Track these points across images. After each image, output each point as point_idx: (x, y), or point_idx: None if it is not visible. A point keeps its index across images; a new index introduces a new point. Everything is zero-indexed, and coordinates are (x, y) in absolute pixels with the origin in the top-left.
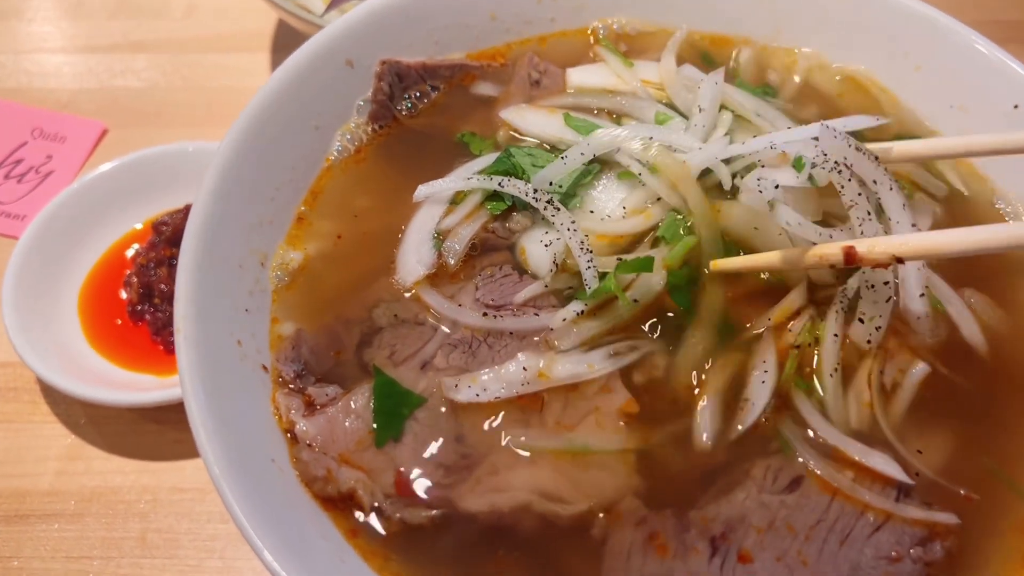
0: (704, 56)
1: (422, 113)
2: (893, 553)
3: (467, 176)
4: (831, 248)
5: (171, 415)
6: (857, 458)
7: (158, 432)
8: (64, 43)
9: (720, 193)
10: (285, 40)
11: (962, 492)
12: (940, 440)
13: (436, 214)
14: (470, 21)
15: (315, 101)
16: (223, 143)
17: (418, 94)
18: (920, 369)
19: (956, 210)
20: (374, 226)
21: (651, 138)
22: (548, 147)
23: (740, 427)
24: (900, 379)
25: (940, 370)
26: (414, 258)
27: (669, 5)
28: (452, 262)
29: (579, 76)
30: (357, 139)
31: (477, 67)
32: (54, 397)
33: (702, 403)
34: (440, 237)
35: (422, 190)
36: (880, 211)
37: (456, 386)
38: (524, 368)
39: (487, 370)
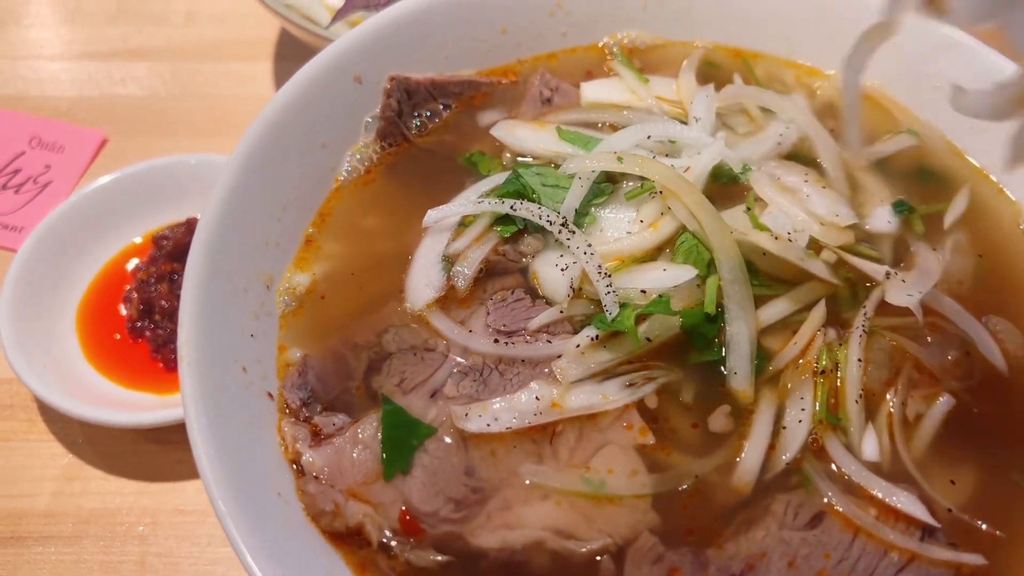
0: (713, 65)
1: (431, 132)
2: None
3: (477, 199)
4: None
5: (172, 435)
6: (881, 496)
7: (159, 452)
8: (62, 49)
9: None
10: (288, 48)
11: (984, 527)
12: (966, 474)
13: (445, 237)
14: (481, 35)
15: (322, 118)
16: (229, 162)
17: (428, 113)
18: (945, 401)
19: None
20: (383, 249)
21: (648, 137)
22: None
23: (773, 469)
24: (924, 410)
25: (964, 399)
26: (423, 281)
27: (683, 19)
28: (462, 286)
29: (593, 91)
30: (367, 159)
31: (487, 83)
32: (51, 415)
33: (748, 443)
34: (449, 261)
35: (431, 215)
36: None
37: (467, 415)
38: (537, 398)
39: (499, 399)
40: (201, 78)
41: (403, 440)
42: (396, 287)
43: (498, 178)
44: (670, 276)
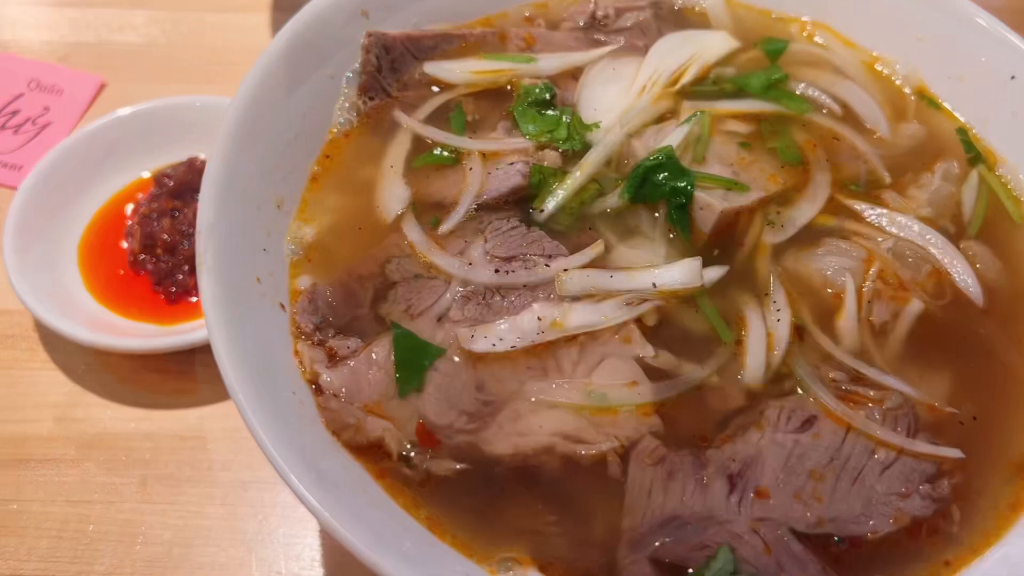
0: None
1: (411, 85)
2: (903, 489)
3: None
4: None
5: (173, 364)
6: (872, 377)
7: (159, 381)
8: None
9: None
10: (286, 1)
11: (949, 410)
12: (937, 378)
13: (404, 151)
14: None
15: (329, 50)
16: (241, 88)
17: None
18: (915, 306)
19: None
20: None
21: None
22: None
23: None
24: (895, 314)
25: (935, 313)
26: (389, 196)
27: None
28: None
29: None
30: (355, 110)
31: (460, 35)
32: (53, 344)
33: (749, 342)
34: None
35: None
36: None
37: (472, 336)
38: (539, 318)
39: (503, 320)
40: (200, 27)
41: (415, 361)
42: (395, 222)
43: None
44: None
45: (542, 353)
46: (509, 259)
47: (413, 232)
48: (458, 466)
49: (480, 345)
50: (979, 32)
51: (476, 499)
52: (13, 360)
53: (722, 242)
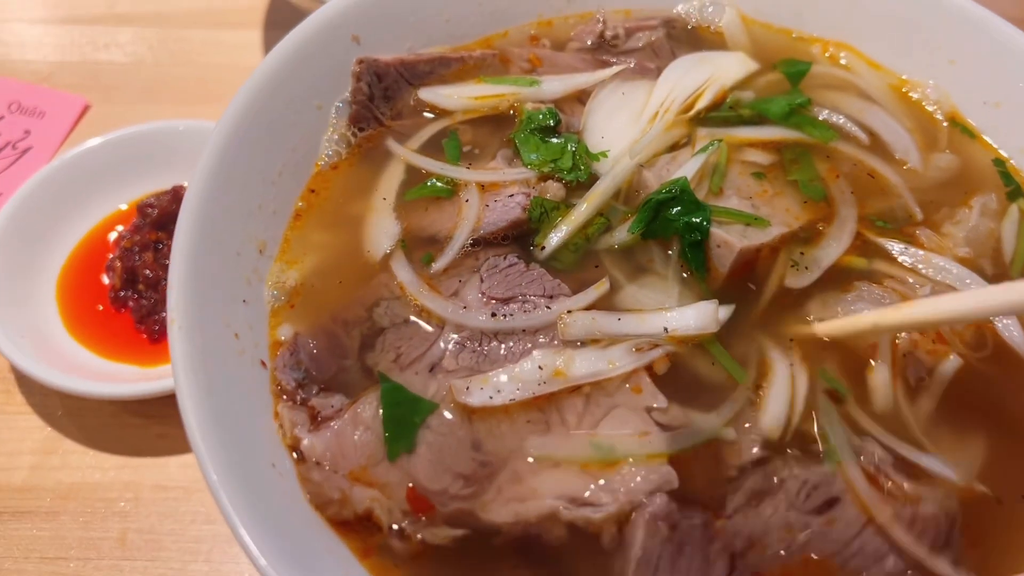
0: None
1: (405, 114)
2: None
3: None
4: None
5: (155, 408)
6: (904, 455)
7: (141, 426)
8: (45, 13)
9: None
10: (279, 16)
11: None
12: (974, 443)
13: (395, 185)
14: None
15: (318, 78)
16: (221, 121)
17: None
18: (953, 361)
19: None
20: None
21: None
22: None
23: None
24: (930, 369)
25: (974, 366)
26: (379, 231)
27: None
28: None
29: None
30: (344, 141)
31: (458, 59)
32: (30, 387)
33: (771, 391)
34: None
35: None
36: None
37: (468, 388)
38: (540, 367)
39: (500, 370)
40: (188, 46)
41: (405, 418)
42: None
43: None
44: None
45: (544, 406)
46: (506, 300)
47: (403, 272)
48: (456, 532)
49: (476, 398)
50: (1017, 54)
51: (472, 571)
52: None
53: (741, 283)
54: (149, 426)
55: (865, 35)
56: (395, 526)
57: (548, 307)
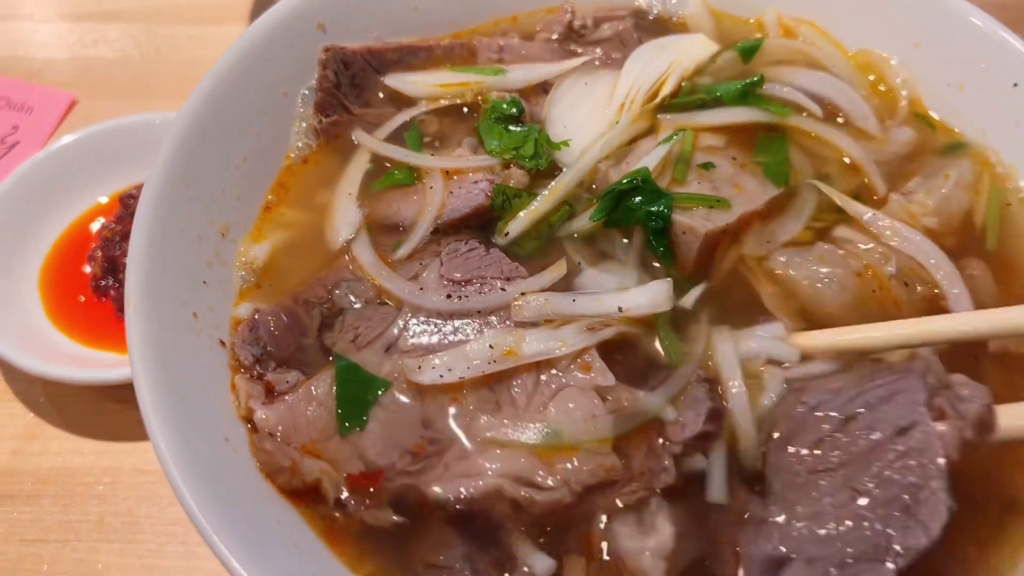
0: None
1: (372, 103)
2: None
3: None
4: None
5: (134, 395)
6: None
7: (120, 412)
8: (33, 10)
9: None
10: (264, 12)
11: None
12: None
13: (359, 176)
14: None
15: (283, 66)
16: (184, 107)
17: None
18: None
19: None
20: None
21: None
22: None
23: None
24: None
25: None
26: (341, 219)
27: None
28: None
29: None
30: (314, 133)
31: (426, 48)
32: (12, 374)
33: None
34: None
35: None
36: None
37: (420, 368)
38: (491, 346)
39: (452, 350)
40: (174, 42)
41: (358, 396)
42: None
43: None
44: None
45: (494, 385)
46: (465, 283)
47: (364, 254)
48: (395, 518)
49: (427, 376)
50: (979, 37)
51: (415, 551)
52: None
53: (710, 269)
54: (128, 412)
55: (829, 18)
56: (341, 498)
57: (503, 288)
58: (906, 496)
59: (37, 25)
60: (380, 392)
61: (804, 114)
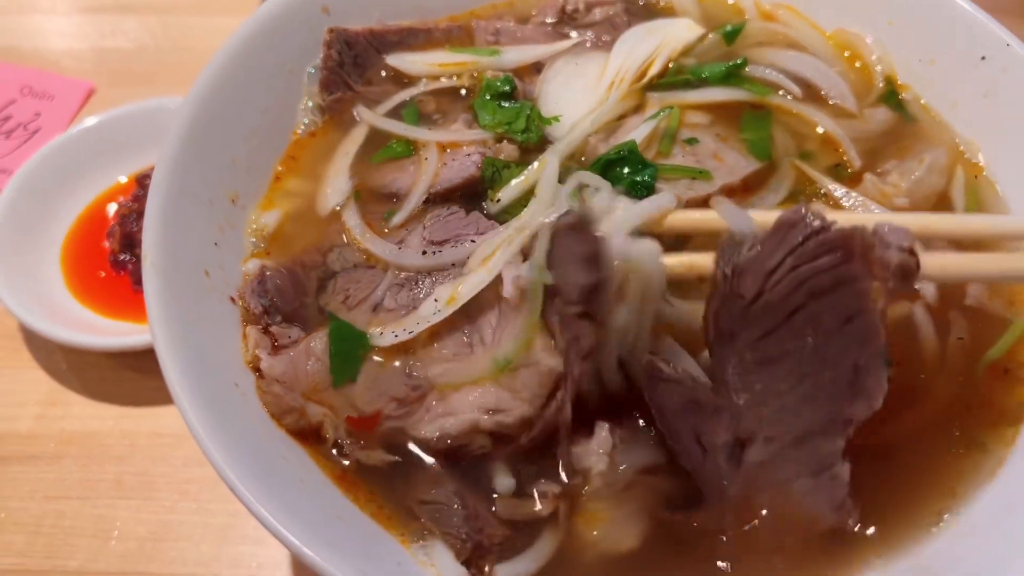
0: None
1: (375, 81)
2: None
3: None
4: None
5: (151, 363)
6: None
7: (138, 379)
8: (54, 4)
9: None
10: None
11: None
12: None
13: (352, 150)
14: None
15: (290, 46)
16: (197, 83)
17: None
18: None
19: None
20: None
21: None
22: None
23: None
24: None
25: None
26: (331, 188)
27: None
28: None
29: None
30: (320, 110)
31: (425, 30)
32: (35, 344)
33: None
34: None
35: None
36: None
37: (381, 334)
38: (435, 299)
39: (408, 315)
40: (188, 32)
41: (350, 352)
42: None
43: None
44: None
45: (466, 327)
46: (443, 243)
47: (351, 218)
48: (389, 457)
49: (385, 340)
50: (949, 12)
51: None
52: None
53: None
54: (145, 379)
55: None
56: (338, 440)
57: (473, 240)
58: (850, 372)
59: (58, 18)
60: (369, 349)
61: (782, 92)
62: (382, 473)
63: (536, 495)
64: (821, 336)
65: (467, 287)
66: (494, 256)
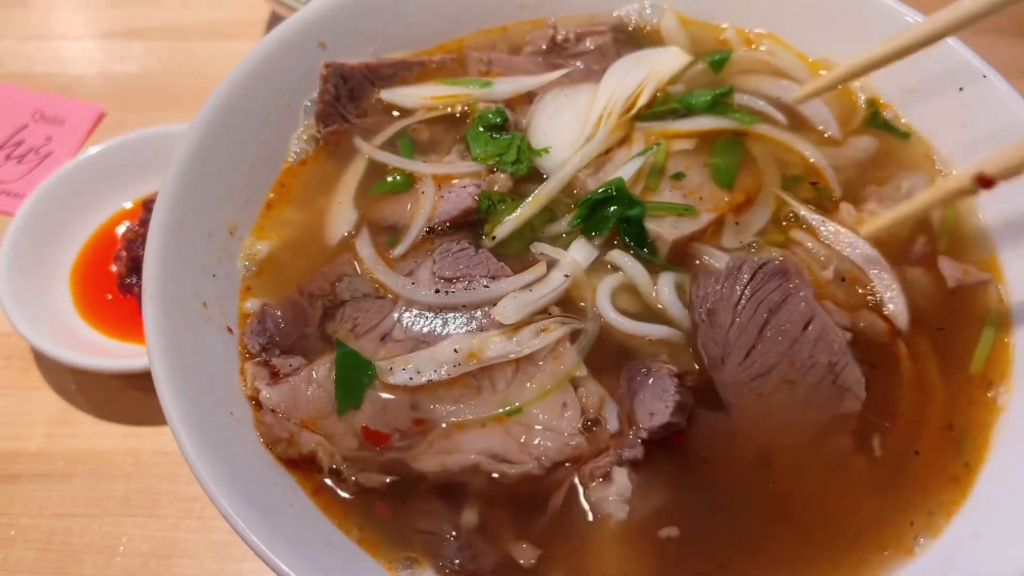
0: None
1: (369, 112)
2: None
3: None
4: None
5: None
6: None
7: (143, 399)
8: (65, 30)
9: None
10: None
11: None
12: None
13: (356, 180)
14: (438, 4)
15: (287, 80)
16: (198, 117)
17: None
18: None
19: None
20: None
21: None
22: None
23: None
24: None
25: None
26: (338, 219)
27: None
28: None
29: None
30: (312, 140)
31: (419, 63)
32: (46, 365)
33: None
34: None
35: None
36: None
37: (391, 369)
38: (455, 350)
39: (422, 352)
40: (195, 57)
41: (355, 379)
42: (347, 242)
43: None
44: None
45: (478, 373)
46: (454, 280)
47: (364, 248)
48: (388, 479)
49: (398, 378)
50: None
51: (403, 517)
52: (10, 380)
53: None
54: (150, 399)
55: (789, 28)
56: (333, 467)
57: (486, 286)
58: (828, 372)
59: (68, 43)
60: (375, 377)
61: (767, 122)
62: (372, 502)
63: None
64: (792, 343)
65: (493, 351)
66: (523, 331)
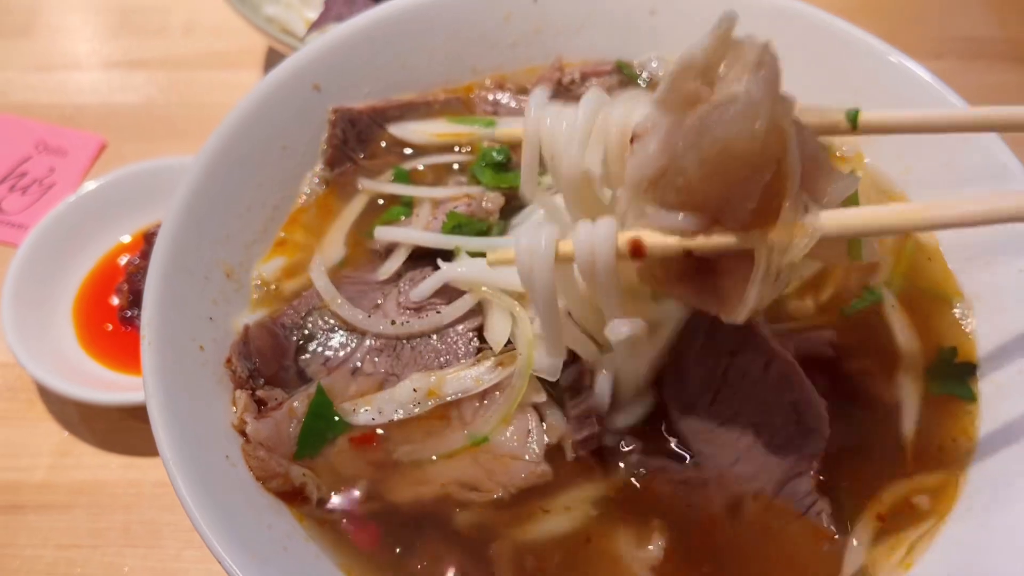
0: None
1: (377, 154)
2: None
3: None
4: None
5: None
6: None
7: (144, 429)
8: (67, 61)
9: None
10: (276, 59)
11: None
12: None
13: (354, 214)
14: (433, 44)
15: (283, 123)
16: (194, 161)
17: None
18: None
19: None
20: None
21: None
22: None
23: None
24: None
25: None
26: (327, 252)
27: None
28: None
29: None
30: (324, 181)
31: (425, 103)
32: (49, 397)
33: None
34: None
35: (364, 182)
36: None
37: (354, 410)
38: (414, 389)
39: (383, 392)
40: (195, 87)
41: (320, 430)
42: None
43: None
44: None
45: (447, 408)
46: (418, 309)
47: (320, 280)
48: (371, 506)
49: (361, 419)
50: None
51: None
52: (13, 411)
53: None
54: (150, 430)
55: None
56: (321, 498)
57: (438, 311)
58: (792, 412)
59: (71, 74)
60: (340, 433)
61: None
62: (363, 539)
63: None
64: (754, 385)
65: (452, 387)
66: (479, 366)
